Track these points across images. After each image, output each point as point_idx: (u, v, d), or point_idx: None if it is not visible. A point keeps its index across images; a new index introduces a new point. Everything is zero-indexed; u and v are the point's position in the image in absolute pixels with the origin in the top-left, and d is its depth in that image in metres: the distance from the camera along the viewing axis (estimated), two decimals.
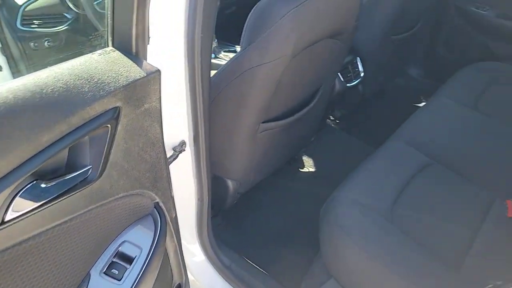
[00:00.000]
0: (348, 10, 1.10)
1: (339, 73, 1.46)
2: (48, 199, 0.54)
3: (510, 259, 0.92)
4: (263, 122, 1.12)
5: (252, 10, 0.97)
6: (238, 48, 1.80)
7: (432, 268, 0.91)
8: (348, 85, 1.51)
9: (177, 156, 0.94)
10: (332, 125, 1.91)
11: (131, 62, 0.64)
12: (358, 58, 1.56)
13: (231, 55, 1.79)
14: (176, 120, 0.91)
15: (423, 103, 2.27)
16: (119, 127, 0.61)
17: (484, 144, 1.32)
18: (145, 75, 0.63)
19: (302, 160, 1.71)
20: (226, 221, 1.46)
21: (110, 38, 0.66)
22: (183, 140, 0.94)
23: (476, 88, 1.59)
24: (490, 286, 0.73)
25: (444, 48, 2.07)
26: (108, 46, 0.68)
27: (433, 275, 0.89)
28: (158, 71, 0.65)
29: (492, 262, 0.92)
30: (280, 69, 0.99)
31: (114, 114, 0.59)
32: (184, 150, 0.96)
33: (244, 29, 0.99)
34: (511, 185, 1.16)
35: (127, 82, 0.60)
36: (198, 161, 0.98)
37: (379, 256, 0.92)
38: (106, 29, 0.67)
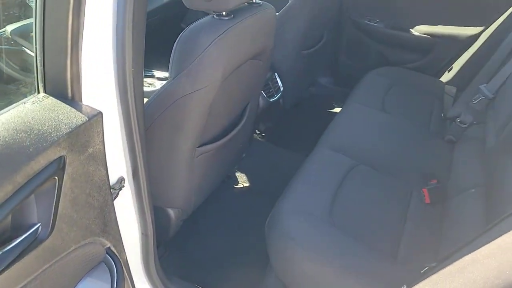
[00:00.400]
0: (266, 33, 1.19)
1: (263, 92, 1.54)
2: None
3: (437, 240, 1.06)
4: (199, 147, 1.14)
5: (178, 39, 1.00)
6: (155, 73, 1.79)
7: (378, 261, 1.00)
8: (270, 100, 1.59)
9: (118, 194, 0.91)
10: (259, 138, 1.98)
11: (69, 107, 0.61)
12: (276, 74, 1.65)
13: (150, 80, 1.77)
14: (112, 157, 0.88)
15: (338, 109, 2.48)
16: (65, 177, 0.58)
17: (395, 141, 1.48)
18: (88, 119, 0.61)
19: (236, 177, 1.74)
20: (169, 250, 1.43)
21: (41, 84, 0.63)
22: (122, 176, 0.91)
23: (379, 91, 1.78)
24: (426, 268, 0.83)
25: (347, 57, 2.28)
26: (39, 93, 0.64)
27: (378, 268, 0.98)
28: (100, 113, 0.63)
29: (423, 246, 1.05)
30: (212, 94, 1.03)
31: (60, 164, 0.56)
32: (124, 187, 0.93)
33: (171, 58, 1.02)
34: (422, 175, 1.32)
35: (70, 129, 0.58)
36: (139, 195, 0.95)
37: (331, 260, 0.99)
38: (35, 74, 0.63)
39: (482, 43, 1.79)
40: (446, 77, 1.97)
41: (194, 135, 1.08)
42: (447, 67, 1.99)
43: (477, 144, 1.41)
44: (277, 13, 1.14)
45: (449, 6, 1.91)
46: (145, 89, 1.66)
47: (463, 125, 1.48)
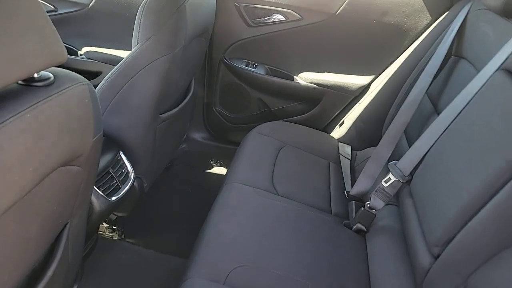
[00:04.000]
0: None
1: (99, 190, 0.98)
2: None
3: None
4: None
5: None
6: None
7: None
8: (112, 198, 1.04)
9: None
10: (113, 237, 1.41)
11: None
12: (122, 153, 1.13)
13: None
14: None
15: (217, 168, 2.04)
16: None
17: (291, 241, 1.09)
18: None
19: None
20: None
21: None
22: None
23: (266, 159, 1.39)
24: None
25: (223, 107, 1.87)
26: None
27: None
28: None
29: None
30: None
31: None
32: None
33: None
34: None
35: None
36: None
37: None
38: None
39: (375, 96, 1.55)
40: (338, 132, 1.69)
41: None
42: (338, 120, 1.72)
43: (395, 239, 1.10)
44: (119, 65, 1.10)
45: (338, 53, 1.64)
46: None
47: (373, 211, 1.16)
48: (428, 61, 1.29)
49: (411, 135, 1.28)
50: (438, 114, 1.08)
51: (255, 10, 1.63)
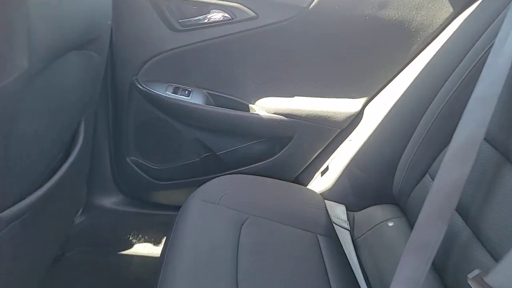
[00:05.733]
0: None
1: None
2: None
3: None
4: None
5: None
6: None
7: None
8: None
9: None
10: None
11: None
12: None
13: None
14: None
15: (141, 243, 1.36)
16: None
17: None
18: None
19: None
20: None
21: None
22: None
23: (225, 249, 0.80)
24: None
25: (140, 154, 1.22)
26: None
27: None
28: None
29: None
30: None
31: None
32: None
33: None
34: None
35: None
36: None
37: None
38: None
39: (377, 127, 1.03)
40: (319, 184, 1.14)
41: None
42: (318, 166, 1.17)
43: None
44: None
45: (314, 67, 1.09)
46: None
47: None
48: (471, 73, 0.80)
49: (466, 204, 0.75)
50: None
51: (184, 5, 1.03)
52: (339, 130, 1.13)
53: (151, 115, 1.15)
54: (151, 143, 1.21)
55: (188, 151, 1.22)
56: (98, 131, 1.15)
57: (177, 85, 1.12)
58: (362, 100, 1.11)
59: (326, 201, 1.08)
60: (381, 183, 1.01)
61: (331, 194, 1.09)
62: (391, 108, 1.01)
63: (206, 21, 1.04)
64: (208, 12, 1.04)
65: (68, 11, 0.70)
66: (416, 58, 1.02)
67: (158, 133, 1.19)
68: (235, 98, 1.14)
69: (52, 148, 0.83)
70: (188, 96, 1.11)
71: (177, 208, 1.00)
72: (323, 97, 1.11)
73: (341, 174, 1.08)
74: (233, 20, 1.04)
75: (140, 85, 1.09)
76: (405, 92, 0.99)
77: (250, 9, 1.02)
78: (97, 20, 0.80)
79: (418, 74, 0.96)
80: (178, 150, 1.22)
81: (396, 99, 1.00)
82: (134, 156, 1.22)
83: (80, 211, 1.24)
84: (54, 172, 0.83)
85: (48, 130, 0.78)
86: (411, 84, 0.98)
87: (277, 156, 1.18)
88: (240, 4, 1.02)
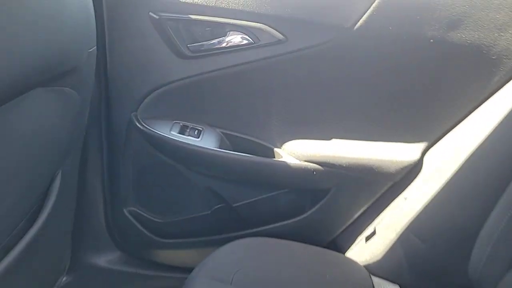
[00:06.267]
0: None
1: None
2: None
3: None
4: None
5: None
6: None
7: None
8: None
9: None
10: None
11: None
12: None
13: None
14: None
15: None
16: None
17: None
18: None
19: None
20: None
21: None
22: None
23: None
24: None
25: (141, 205, 1.00)
26: None
27: None
28: None
29: None
30: None
31: None
32: None
33: None
34: None
35: None
36: None
37: None
38: None
39: (445, 185, 0.77)
40: (363, 252, 0.89)
41: None
42: (361, 229, 0.92)
43: None
44: None
45: (359, 102, 0.86)
46: None
47: None
48: None
49: None
50: None
51: (194, 26, 0.83)
52: (390, 184, 0.88)
53: (153, 159, 0.93)
54: (153, 192, 0.99)
55: (197, 202, 0.99)
56: (89, 178, 0.94)
57: (184, 123, 0.91)
58: (421, 146, 0.86)
59: (373, 277, 0.83)
60: (451, 261, 0.75)
61: (380, 269, 0.84)
62: (466, 159, 0.75)
63: (222, 45, 0.83)
64: (225, 35, 0.83)
65: (28, 40, 0.50)
66: (498, 92, 0.77)
67: (161, 180, 0.97)
68: (256, 140, 0.91)
69: (14, 208, 0.63)
70: (198, 137, 0.89)
71: (184, 270, 0.77)
72: (370, 141, 0.87)
73: (393, 243, 0.82)
74: (256, 44, 0.82)
75: (140, 123, 0.88)
76: (485, 137, 0.73)
77: (277, 30, 0.80)
78: (71, 48, 0.60)
79: (507, 114, 0.71)
80: (185, 200, 1.00)
81: (471, 146, 0.75)
82: (133, 206, 1.00)
83: (65, 271, 1.02)
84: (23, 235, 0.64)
85: (7, 187, 0.58)
86: (495, 127, 0.72)
87: (308, 213, 0.93)
88: (265, 24, 0.80)
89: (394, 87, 0.83)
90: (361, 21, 0.77)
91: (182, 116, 0.91)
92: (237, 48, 0.83)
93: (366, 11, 0.77)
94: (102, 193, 0.99)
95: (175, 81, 0.86)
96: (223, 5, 0.80)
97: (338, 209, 0.92)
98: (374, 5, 0.76)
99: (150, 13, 0.80)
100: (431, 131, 0.85)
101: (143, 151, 0.93)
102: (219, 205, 0.99)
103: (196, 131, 0.90)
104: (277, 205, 0.96)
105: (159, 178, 0.97)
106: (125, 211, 1.00)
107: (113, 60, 0.84)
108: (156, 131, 0.88)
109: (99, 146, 0.93)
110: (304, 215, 0.93)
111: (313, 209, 0.92)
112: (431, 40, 0.76)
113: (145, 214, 1.01)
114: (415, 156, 0.85)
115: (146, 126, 0.88)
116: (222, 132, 0.92)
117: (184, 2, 0.80)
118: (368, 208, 0.91)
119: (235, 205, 0.98)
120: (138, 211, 1.01)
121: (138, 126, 0.88)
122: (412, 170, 0.86)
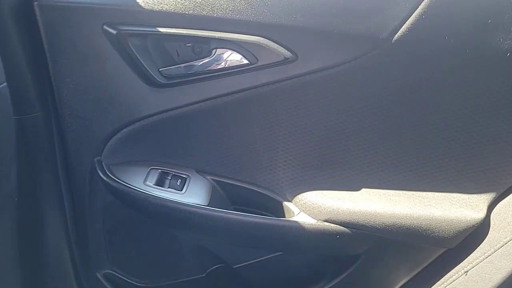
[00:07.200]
0: None
1: None
2: None
3: None
4: None
5: None
6: None
7: None
8: None
9: None
10: None
11: None
12: None
13: None
14: None
15: None
16: None
17: None
18: None
19: None
20: None
21: None
22: None
23: None
24: None
25: (118, 267, 0.80)
26: None
27: None
28: None
29: None
30: None
31: None
32: None
33: None
34: None
35: None
36: None
37: None
38: None
39: None
40: None
41: None
42: None
43: None
44: None
45: (397, 142, 0.63)
46: None
47: None
48: None
49: None
50: None
51: (166, 42, 0.60)
52: (442, 251, 0.65)
53: (128, 214, 0.72)
54: (132, 251, 0.79)
55: (188, 262, 0.78)
56: (51, 239, 0.74)
57: (164, 169, 0.69)
58: (486, 200, 0.62)
59: None
60: None
61: None
62: None
63: (207, 68, 0.61)
64: (211, 54, 0.60)
65: None
66: None
67: (140, 236, 0.76)
68: (259, 190, 0.68)
69: None
70: (182, 189, 0.67)
71: None
72: (415, 192, 0.64)
73: None
74: (255, 65, 0.59)
75: (104, 172, 0.67)
76: None
77: (282, 45, 0.58)
78: None
79: None
80: (173, 260, 0.79)
81: None
82: (109, 269, 0.80)
83: None
84: None
85: None
86: None
87: (332, 284, 0.70)
88: (265, 38, 0.57)
89: (445, 122, 0.59)
90: (402, 28, 0.54)
91: (161, 161, 0.69)
92: (228, 71, 0.60)
93: (408, 17, 0.53)
94: (69, 254, 0.78)
95: (147, 116, 0.64)
96: (206, 11, 0.57)
97: (371, 280, 0.69)
98: (423, 4, 0.53)
99: (105, 27, 0.58)
100: (500, 180, 0.61)
101: (113, 205, 0.71)
102: (216, 266, 0.78)
103: (179, 180, 0.68)
104: (290, 267, 0.74)
105: (137, 235, 0.77)
106: (98, 275, 0.80)
107: (63, 93, 0.63)
108: (124, 183, 0.66)
109: (59, 201, 0.72)
110: (326, 286, 0.71)
111: (337, 279, 0.70)
112: (508, 54, 0.52)
113: (124, 278, 0.81)
114: (479, 214, 0.61)
115: (112, 175, 0.67)
116: (214, 180, 0.69)
117: (151, 9, 0.57)
118: (410, 282, 0.68)
119: (236, 266, 0.77)
120: (115, 273, 0.80)
121: (101, 177, 0.67)
122: (474, 233, 0.62)
